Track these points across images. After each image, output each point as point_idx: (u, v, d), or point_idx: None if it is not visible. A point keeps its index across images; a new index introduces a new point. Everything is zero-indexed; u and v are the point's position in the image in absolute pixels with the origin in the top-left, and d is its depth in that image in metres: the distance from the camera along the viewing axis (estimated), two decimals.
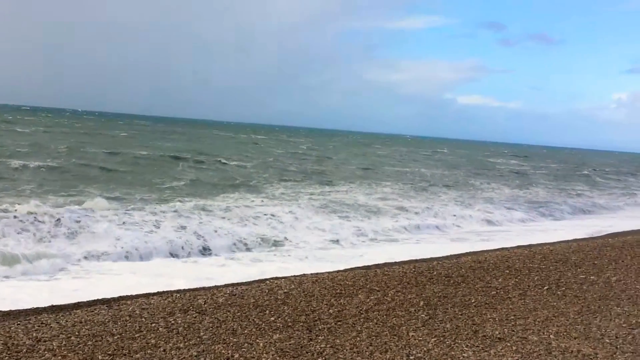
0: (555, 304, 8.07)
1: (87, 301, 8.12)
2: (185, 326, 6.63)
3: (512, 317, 7.34)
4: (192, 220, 16.20)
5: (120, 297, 8.34)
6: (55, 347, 5.87)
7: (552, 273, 9.97)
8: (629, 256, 11.71)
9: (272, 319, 6.99)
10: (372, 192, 27.88)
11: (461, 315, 7.39)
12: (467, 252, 13.07)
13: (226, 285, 9.15)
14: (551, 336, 6.65)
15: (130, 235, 13.95)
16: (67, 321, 6.77)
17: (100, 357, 5.68)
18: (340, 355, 5.88)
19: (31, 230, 13.55)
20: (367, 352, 5.98)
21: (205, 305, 7.52)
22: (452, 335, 6.58)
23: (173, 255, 13.58)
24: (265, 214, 18.27)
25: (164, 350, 5.87)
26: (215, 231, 15.26)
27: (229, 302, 7.70)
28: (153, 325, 6.66)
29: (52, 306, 7.84)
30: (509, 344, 6.33)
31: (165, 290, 8.89)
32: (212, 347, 6.00)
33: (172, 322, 6.78)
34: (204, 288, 9.05)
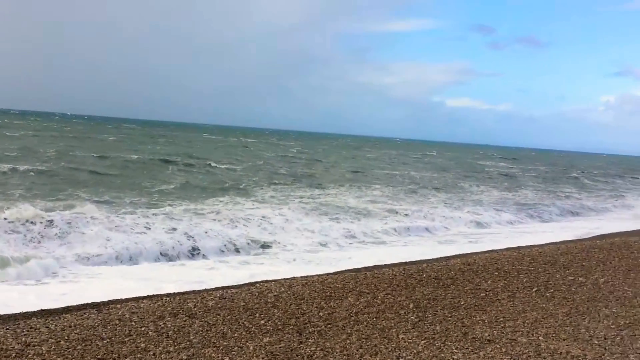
0: (544, 305, 8.11)
1: (77, 305, 8.10)
2: (175, 330, 6.62)
3: (502, 319, 7.37)
4: (182, 222, 16.18)
5: (109, 301, 8.32)
6: (44, 352, 5.86)
7: (541, 275, 10.01)
8: (617, 258, 11.77)
9: (262, 322, 6.99)
10: (361, 195, 27.92)
11: (451, 317, 7.41)
12: (456, 255, 13.11)
13: (216, 289, 9.15)
14: (540, 338, 6.68)
15: (120, 237, 13.95)
16: (56, 325, 6.75)
17: None
18: (331, 358, 5.89)
19: (22, 232, 13.53)
20: (357, 355, 5.99)
21: (195, 309, 7.52)
22: (441, 337, 6.60)
23: (163, 257, 13.57)
24: (255, 217, 18.26)
25: (154, 354, 5.86)
26: (206, 232, 15.27)
27: (219, 306, 7.69)
28: (143, 329, 6.64)
29: (42, 310, 7.82)
30: (498, 346, 6.35)
31: (155, 293, 8.88)
32: (202, 350, 5.99)
33: (162, 325, 6.77)
34: (194, 291, 9.04)
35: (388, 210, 22.95)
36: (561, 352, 6.21)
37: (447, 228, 20.75)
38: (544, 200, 31.83)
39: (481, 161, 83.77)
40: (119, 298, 8.55)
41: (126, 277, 11.47)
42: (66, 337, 6.30)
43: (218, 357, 5.84)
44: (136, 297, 8.53)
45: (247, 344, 6.21)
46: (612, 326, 7.19)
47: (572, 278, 9.83)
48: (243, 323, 6.93)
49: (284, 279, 9.80)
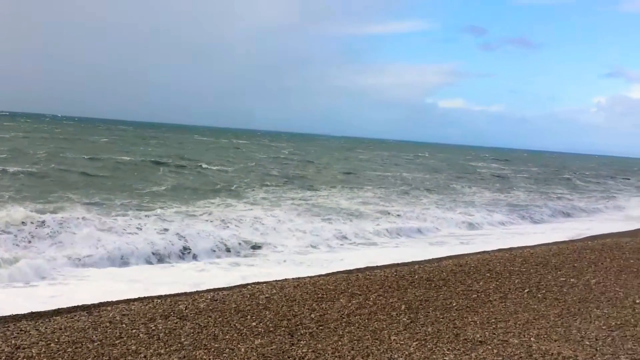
0: (535, 306, 8.12)
1: (67, 307, 8.06)
2: (167, 332, 6.60)
3: (493, 320, 7.37)
4: (174, 224, 16.14)
5: (100, 303, 8.29)
6: (34, 355, 5.82)
7: (533, 276, 10.03)
8: (608, 259, 11.80)
9: (254, 324, 6.97)
10: (353, 196, 27.92)
11: (442, 318, 7.41)
12: (448, 256, 13.13)
13: (207, 291, 9.13)
14: (532, 339, 6.68)
15: (111, 239, 13.90)
16: (46, 328, 6.72)
17: None
18: None
19: (12, 232, 13.49)
20: (348, 357, 5.98)
21: (187, 311, 7.49)
22: (433, 338, 6.59)
23: (155, 258, 13.54)
24: (247, 218, 18.23)
25: (145, 357, 5.84)
26: (197, 234, 15.24)
27: (210, 308, 7.67)
28: (134, 331, 6.62)
29: (32, 313, 7.77)
30: (490, 347, 6.35)
31: (146, 295, 8.85)
32: (194, 352, 5.97)
33: (153, 328, 6.74)
34: (185, 293, 9.02)
35: (380, 211, 22.96)
36: (552, 353, 6.21)
37: (439, 229, 20.78)
38: (535, 202, 31.91)
39: (473, 162, 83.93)
40: (110, 300, 8.52)
41: (117, 278, 11.42)
42: (56, 340, 6.27)
43: (209, 359, 5.82)
44: (127, 299, 8.50)
45: (239, 346, 6.19)
46: (604, 327, 7.20)
47: (563, 279, 9.85)
48: (234, 325, 6.91)
49: (276, 280, 9.79)
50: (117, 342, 6.24)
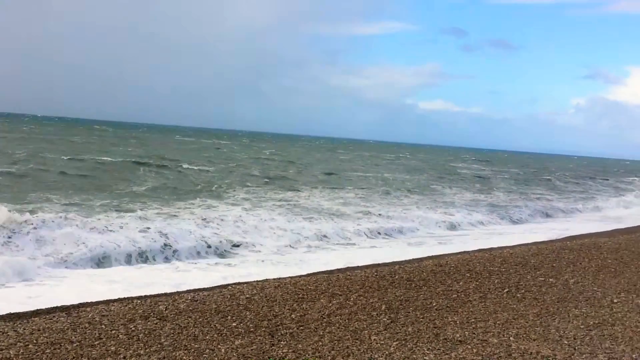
0: (515, 306, 8.17)
1: (46, 308, 8.00)
2: (146, 333, 6.57)
3: (473, 320, 7.41)
4: (154, 225, 16.01)
5: (79, 304, 8.23)
6: (12, 356, 5.78)
7: (512, 276, 10.10)
8: (587, 259, 11.91)
9: (234, 324, 6.96)
10: (334, 197, 27.94)
11: (422, 318, 7.44)
12: (428, 256, 13.18)
13: (188, 291, 9.10)
14: (511, 338, 6.73)
15: (91, 239, 13.75)
16: (24, 329, 6.67)
17: None
18: None
19: None
20: (329, 357, 5.99)
21: (167, 312, 7.47)
22: (413, 338, 6.62)
23: (135, 258, 13.48)
24: (227, 218, 18.16)
25: (124, 358, 5.81)
26: (178, 234, 15.14)
27: (191, 308, 7.65)
28: (113, 332, 6.58)
29: (10, 314, 7.70)
30: (469, 347, 6.39)
31: (125, 296, 8.81)
32: (173, 353, 5.95)
33: (133, 328, 6.71)
34: (165, 294, 8.99)
35: (361, 211, 22.99)
36: (531, 353, 6.26)
37: (420, 229, 20.84)
38: (515, 202, 32.08)
39: (454, 163, 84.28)
40: (89, 301, 8.47)
41: (97, 279, 11.36)
42: (35, 341, 6.22)
43: (189, 359, 5.81)
44: (106, 300, 8.46)
45: (219, 346, 6.19)
46: (582, 326, 7.27)
47: (542, 279, 9.92)
48: (215, 326, 6.89)
49: (256, 281, 9.78)
50: (96, 343, 6.21)
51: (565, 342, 6.66)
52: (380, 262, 12.35)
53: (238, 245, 15.58)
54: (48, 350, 5.95)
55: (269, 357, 5.92)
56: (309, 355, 6.01)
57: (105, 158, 38.77)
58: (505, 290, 9.05)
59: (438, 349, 6.28)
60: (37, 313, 7.68)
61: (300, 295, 8.43)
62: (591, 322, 7.44)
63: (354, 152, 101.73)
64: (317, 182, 35.09)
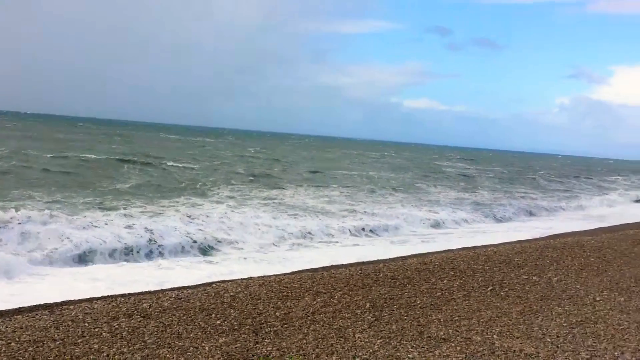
0: (498, 304, 8.21)
1: (29, 306, 7.96)
2: (130, 330, 6.54)
3: (457, 318, 7.44)
4: (138, 222, 15.96)
5: (63, 302, 8.20)
6: None
7: (496, 274, 10.13)
8: (570, 257, 11.97)
9: (218, 322, 6.95)
10: (320, 195, 27.94)
11: (407, 316, 7.45)
12: (413, 254, 13.21)
13: (172, 289, 9.07)
14: (494, 336, 6.76)
15: (75, 237, 13.68)
16: (7, 327, 6.62)
17: None
18: (287, 358, 5.88)
19: None
20: (313, 354, 5.99)
21: (150, 309, 7.44)
22: (397, 336, 6.63)
23: (119, 256, 13.43)
24: (212, 216, 18.13)
25: (108, 355, 5.78)
26: (162, 232, 15.10)
27: (175, 306, 7.62)
28: (96, 330, 6.55)
29: None
30: (453, 345, 6.41)
31: (109, 294, 8.77)
32: (157, 351, 5.93)
33: (116, 326, 6.68)
34: (149, 292, 8.95)
35: (346, 210, 23.02)
36: (515, 350, 6.29)
37: (405, 228, 20.89)
38: (500, 200, 32.23)
39: (438, 161, 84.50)
40: (72, 299, 8.43)
41: (80, 277, 11.31)
42: (17, 339, 6.18)
43: (173, 357, 5.79)
44: (90, 298, 8.42)
45: (203, 344, 6.17)
46: (565, 324, 7.31)
47: (526, 277, 9.97)
48: (199, 323, 6.87)
49: (241, 279, 9.76)
50: (79, 341, 6.17)
51: (548, 339, 6.70)
52: (364, 260, 12.37)
53: (225, 245, 15.54)
54: (31, 349, 5.91)
55: (253, 355, 5.91)
56: (293, 353, 6.01)
57: (88, 155, 38.53)
58: (489, 289, 9.09)
59: (422, 347, 6.30)
60: (19, 311, 7.64)
61: (285, 293, 8.42)
62: (574, 320, 7.49)
63: (340, 150, 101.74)
64: (302, 180, 35.08)
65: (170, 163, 38.55)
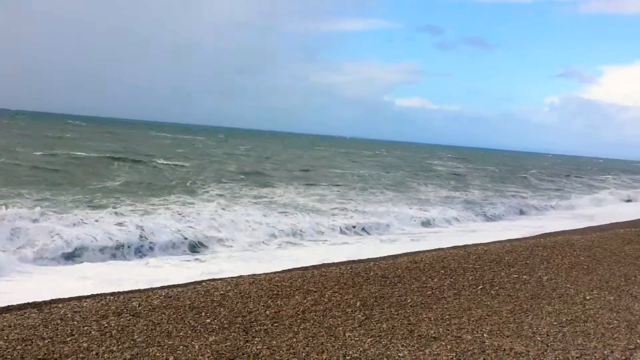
0: (489, 303, 8.21)
1: (17, 305, 7.90)
2: (119, 329, 6.50)
3: (447, 317, 7.43)
4: (127, 220, 15.91)
5: (52, 300, 8.15)
6: None
7: (486, 273, 10.14)
8: (560, 256, 11.99)
9: (208, 320, 6.92)
10: (311, 193, 27.95)
11: (397, 315, 7.44)
12: (403, 253, 13.20)
13: (161, 287, 9.02)
14: (485, 335, 6.75)
15: (64, 235, 13.63)
16: None
17: None
18: (277, 357, 5.85)
19: None
20: (303, 353, 5.97)
21: (140, 308, 7.40)
22: (388, 335, 6.62)
23: (108, 254, 13.39)
24: (202, 214, 18.10)
25: (97, 354, 5.74)
26: (152, 230, 15.06)
27: (164, 305, 7.59)
28: (85, 328, 6.51)
29: None
30: (443, 343, 6.40)
31: (98, 292, 8.72)
32: (147, 349, 5.90)
33: (106, 325, 6.64)
34: (138, 290, 8.91)
35: (337, 208, 23.03)
36: (505, 349, 6.29)
37: (396, 226, 20.91)
38: (490, 199, 32.33)
39: (430, 160, 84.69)
40: (61, 297, 8.38)
41: (69, 275, 11.26)
42: (5, 337, 6.13)
43: (162, 356, 5.76)
44: (79, 296, 8.37)
45: (193, 343, 6.14)
46: (555, 323, 7.32)
47: (516, 276, 9.98)
48: (188, 322, 6.84)
49: (231, 277, 9.73)
50: (68, 339, 6.13)
51: (538, 338, 6.70)
52: (355, 258, 12.36)
53: (215, 243, 15.51)
54: (19, 347, 5.86)
55: (243, 354, 5.89)
56: (283, 351, 5.99)
57: (79, 153, 38.41)
58: (480, 287, 9.09)
59: (412, 346, 6.29)
60: (8, 309, 7.59)
61: (275, 292, 8.40)
62: (564, 319, 7.50)
63: (331, 148, 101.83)
64: (294, 179, 35.07)
65: (161, 161, 38.47)
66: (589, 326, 7.25)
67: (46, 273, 11.41)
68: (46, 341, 6.05)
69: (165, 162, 37.99)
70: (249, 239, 16.26)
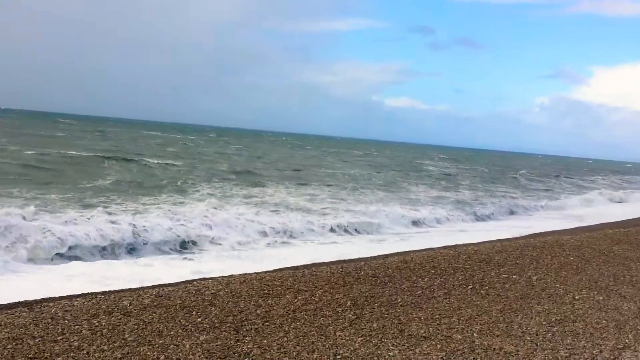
0: (478, 302, 8.25)
1: (8, 304, 7.88)
2: (110, 328, 6.50)
3: (437, 316, 7.46)
4: (117, 219, 15.88)
5: (42, 299, 8.13)
6: None
7: (476, 272, 10.18)
8: (549, 256, 12.05)
9: (199, 320, 6.93)
10: (302, 193, 27.95)
11: (387, 314, 7.47)
12: (394, 253, 13.22)
13: (152, 286, 9.02)
14: (474, 334, 6.79)
15: (55, 233, 13.57)
16: None
17: None
18: (267, 356, 5.87)
19: None
20: (294, 352, 5.99)
21: (131, 307, 7.39)
22: (378, 334, 6.65)
23: (99, 253, 13.37)
24: (193, 213, 18.07)
25: (87, 353, 5.75)
26: (143, 229, 15.03)
27: (155, 304, 7.59)
28: (76, 327, 6.50)
29: None
30: (433, 343, 6.43)
31: (89, 291, 8.71)
32: (137, 348, 5.90)
33: (96, 324, 6.64)
34: (129, 289, 8.90)
35: (328, 207, 23.05)
36: (494, 348, 6.33)
37: (386, 226, 20.95)
38: (481, 199, 32.42)
39: (420, 160, 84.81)
40: (52, 296, 8.36)
41: (60, 273, 11.22)
42: None
43: (153, 355, 5.76)
44: (69, 295, 8.36)
45: (183, 342, 6.15)
46: (544, 322, 7.37)
47: (506, 276, 10.02)
48: (179, 321, 6.85)
49: (222, 276, 9.73)
50: (59, 338, 6.13)
51: (528, 338, 6.75)
52: (346, 258, 12.38)
53: (206, 242, 15.51)
54: (9, 346, 5.86)
55: (234, 353, 5.90)
56: (274, 350, 6.01)
57: (69, 152, 38.29)
58: (470, 287, 9.13)
59: (402, 345, 6.32)
60: None
61: (266, 291, 8.41)
62: (553, 319, 7.55)
63: (322, 148, 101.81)
64: (285, 178, 35.08)
65: (151, 160, 38.39)
66: (578, 326, 7.30)
67: (37, 272, 11.38)
68: (37, 340, 6.05)
69: (156, 161, 37.90)
70: (240, 238, 16.26)
